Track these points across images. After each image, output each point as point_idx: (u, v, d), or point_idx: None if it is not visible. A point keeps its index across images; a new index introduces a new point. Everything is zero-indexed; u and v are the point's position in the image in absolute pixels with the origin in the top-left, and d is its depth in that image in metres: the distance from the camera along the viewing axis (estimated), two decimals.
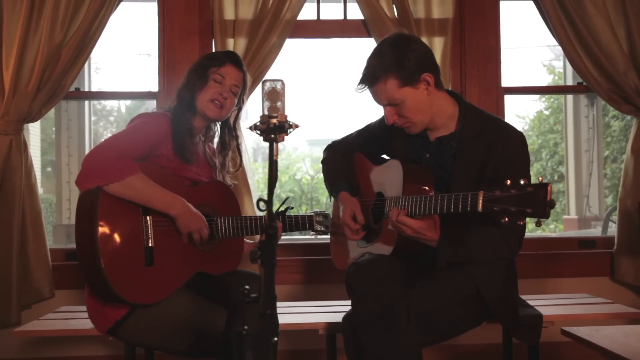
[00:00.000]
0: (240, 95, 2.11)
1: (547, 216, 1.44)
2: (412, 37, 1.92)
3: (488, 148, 1.84)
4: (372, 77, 1.85)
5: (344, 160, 2.22)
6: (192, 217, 1.92)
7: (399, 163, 1.91)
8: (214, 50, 2.79)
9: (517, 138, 1.87)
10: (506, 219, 1.50)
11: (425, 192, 1.83)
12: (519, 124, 7.60)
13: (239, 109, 2.19)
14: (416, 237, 1.76)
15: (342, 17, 2.92)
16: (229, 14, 2.77)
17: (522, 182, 1.48)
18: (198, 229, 1.94)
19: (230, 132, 2.19)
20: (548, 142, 7.42)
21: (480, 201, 1.55)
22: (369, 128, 2.20)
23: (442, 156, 1.91)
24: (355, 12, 2.86)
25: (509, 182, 1.50)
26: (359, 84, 1.88)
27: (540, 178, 1.48)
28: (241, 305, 1.82)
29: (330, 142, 2.30)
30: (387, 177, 1.98)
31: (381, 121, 2.12)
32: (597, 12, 2.70)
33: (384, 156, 2.15)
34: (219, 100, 2.02)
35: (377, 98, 1.89)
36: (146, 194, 1.86)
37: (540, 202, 1.45)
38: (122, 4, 2.75)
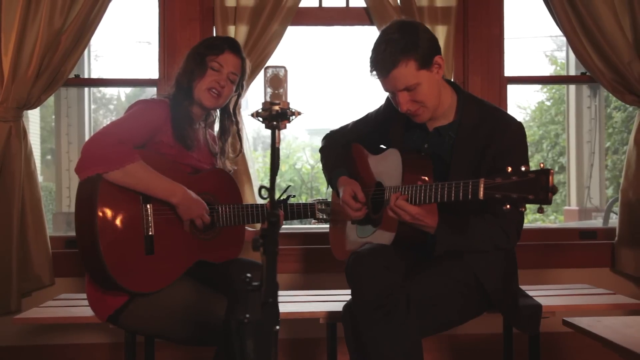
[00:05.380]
0: (239, 82, 2.09)
1: (549, 202, 1.42)
2: (416, 22, 1.90)
3: (487, 138, 1.83)
4: (391, 63, 1.78)
5: (342, 150, 2.21)
6: (193, 204, 1.91)
7: (398, 152, 1.90)
8: None
9: (515, 128, 1.86)
10: (508, 206, 1.48)
11: (425, 181, 1.82)
12: (520, 115, 7.56)
13: (239, 95, 2.18)
14: (414, 223, 1.75)
15: (344, 5, 2.89)
16: (230, 1, 2.74)
17: (523, 168, 1.47)
18: (199, 215, 1.93)
19: (230, 117, 2.17)
20: (549, 133, 7.39)
21: (482, 189, 1.53)
22: (367, 118, 2.18)
23: (440, 146, 1.90)
24: (357, 0, 2.84)
25: (509, 169, 1.49)
26: (373, 72, 1.83)
27: (542, 164, 1.46)
28: (242, 294, 1.82)
29: (328, 132, 2.29)
30: (386, 166, 1.97)
31: (379, 111, 2.10)
32: (602, 1, 2.67)
33: (382, 146, 2.13)
34: (216, 89, 2.01)
35: (393, 84, 1.82)
36: (146, 182, 1.85)
37: (542, 188, 1.43)
38: None
